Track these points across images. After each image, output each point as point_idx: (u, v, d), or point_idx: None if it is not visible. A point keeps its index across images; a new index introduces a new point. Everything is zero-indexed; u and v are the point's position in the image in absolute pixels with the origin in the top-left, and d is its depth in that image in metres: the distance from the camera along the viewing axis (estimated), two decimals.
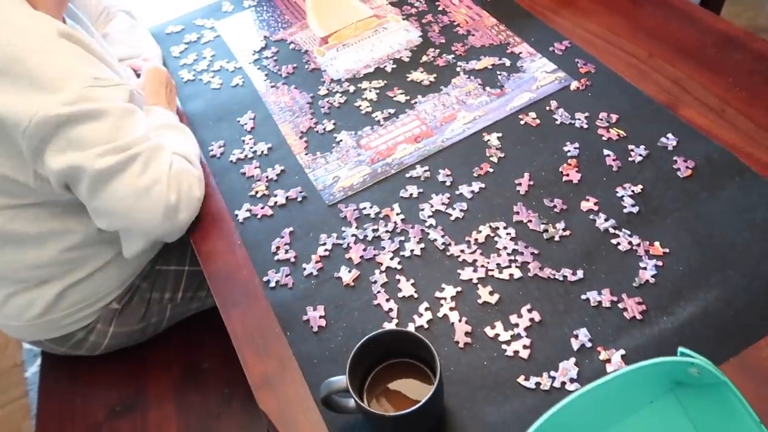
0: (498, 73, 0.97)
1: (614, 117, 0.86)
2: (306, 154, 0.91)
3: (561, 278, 0.70)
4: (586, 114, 0.87)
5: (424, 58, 1.02)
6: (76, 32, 0.77)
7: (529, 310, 0.68)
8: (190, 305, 1.05)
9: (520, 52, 0.99)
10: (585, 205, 0.77)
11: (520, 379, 0.63)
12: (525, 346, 0.66)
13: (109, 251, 0.91)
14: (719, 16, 1.03)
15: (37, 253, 0.86)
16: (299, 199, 0.85)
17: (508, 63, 0.98)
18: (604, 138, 0.84)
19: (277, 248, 0.79)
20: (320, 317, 0.71)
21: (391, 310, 0.71)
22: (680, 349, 0.49)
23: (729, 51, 0.92)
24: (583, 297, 0.68)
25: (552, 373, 0.63)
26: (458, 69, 0.99)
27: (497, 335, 0.67)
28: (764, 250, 0.69)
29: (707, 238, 0.71)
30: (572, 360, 0.64)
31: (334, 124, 0.94)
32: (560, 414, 0.47)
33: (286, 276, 0.76)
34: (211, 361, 1.02)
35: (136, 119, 0.78)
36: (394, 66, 1.02)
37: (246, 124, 0.97)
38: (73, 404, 1.00)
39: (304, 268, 0.77)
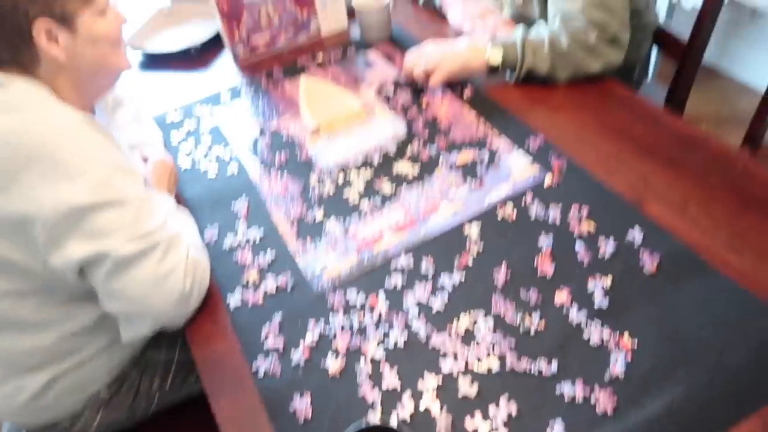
0: (478, 165, 1.03)
1: (585, 211, 0.92)
2: (296, 241, 0.95)
3: (537, 372, 0.74)
4: (559, 207, 0.93)
5: (409, 151, 1.09)
6: (98, 121, 0.83)
7: (507, 401, 0.72)
8: (179, 392, 1.06)
9: (498, 146, 1.06)
10: (559, 298, 0.82)
11: None
12: None
13: (103, 338, 0.93)
14: (680, 118, 1.11)
15: (35, 339, 0.88)
16: (289, 288, 0.89)
17: (486, 157, 1.05)
18: (575, 232, 0.90)
19: (266, 336, 0.83)
20: (307, 408, 0.74)
21: (374, 402, 0.74)
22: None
23: (690, 151, 1.00)
24: (558, 391, 0.72)
25: None
26: (441, 161, 1.05)
27: (476, 429, 0.70)
28: (725, 345, 0.73)
29: (673, 332, 0.76)
30: None
31: (323, 212, 1.00)
32: None
33: (275, 365, 0.79)
34: None
35: (155, 207, 0.83)
36: (381, 158, 1.08)
37: (239, 210, 1.02)
38: None
39: (292, 357, 0.80)
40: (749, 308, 0.76)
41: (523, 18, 1.34)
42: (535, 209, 0.94)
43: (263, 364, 0.80)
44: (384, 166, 1.07)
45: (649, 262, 0.84)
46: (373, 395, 0.75)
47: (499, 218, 0.94)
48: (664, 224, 0.88)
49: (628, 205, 0.92)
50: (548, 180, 0.98)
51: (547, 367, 0.74)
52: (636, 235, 0.87)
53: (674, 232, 0.87)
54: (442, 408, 0.72)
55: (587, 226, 0.90)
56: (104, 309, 0.84)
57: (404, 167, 1.06)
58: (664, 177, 0.96)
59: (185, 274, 0.82)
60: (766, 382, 0.70)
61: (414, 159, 1.07)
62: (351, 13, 1.44)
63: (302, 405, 0.75)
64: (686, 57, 1.36)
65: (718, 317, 0.76)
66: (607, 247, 0.87)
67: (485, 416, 0.71)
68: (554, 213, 0.93)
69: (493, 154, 1.05)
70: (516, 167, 1.02)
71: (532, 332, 0.78)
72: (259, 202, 1.04)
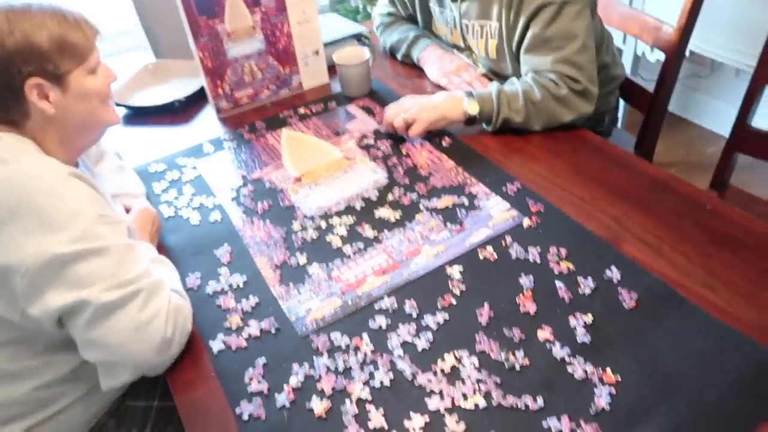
0: (458, 210, 1.06)
1: (563, 252, 0.95)
2: (280, 286, 0.96)
3: (523, 407, 0.74)
4: (538, 249, 0.96)
5: (390, 197, 1.11)
6: (84, 173, 0.84)
7: None
8: None
9: (477, 192, 1.09)
10: (541, 335, 0.83)
11: None
12: None
13: (80, 388, 0.91)
14: (650, 163, 1.16)
15: (10, 389, 0.86)
16: (273, 330, 0.88)
17: (466, 202, 1.08)
18: (555, 271, 0.92)
19: (250, 379, 0.82)
20: None
21: None
22: None
23: (660, 193, 1.04)
24: (545, 425, 0.72)
25: None
26: (421, 207, 1.08)
27: None
28: (706, 379, 0.74)
29: (654, 366, 0.77)
30: None
31: (306, 257, 1.00)
32: None
33: (259, 408, 0.78)
34: None
35: (138, 255, 0.83)
36: (363, 204, 1.10)
37: (222, 256, 1.03)
38: None
39: (276, 399, 0.79)
40: (726, 341, 0.78)
41: (496, 74, 1.41)
42: (516, 250, 0.96)
43: (248, 408, 0.78)
44: (366, 211, 1.09)
45: (627, 299, 0.86)
46: None
47: (480, 259, 0.96)
48: (641, 262, 0.91)
49: (605, 245, 0.95)
50: (527, 222, 1.01)
51: (533, 402, 0.74)
52: (614, 273, 0.90)
53: (650, 270, 0.89)
54: None
55: (566, 266, 0.92)
56: (84, 358, 0.83)
57: (386, 213, 1.08)
58: (638, 218, 0.99)
59: (167, 320, 0.82)
60: (746, 411, 0.71)
61: (395, 205, 1.10)
62: (332, 68, 1.49)
63: None
64: (652, 106, 1.43)
65: (697, 350, 0.78)
66: (586, 285, 0.89)
67: None
68: (534, 254, 0.95)
69: (472, 199, 1.08)
70: (495, 211, 1.05)
71: (517, 368, 0.79)
72: (242, 248, 1.04)
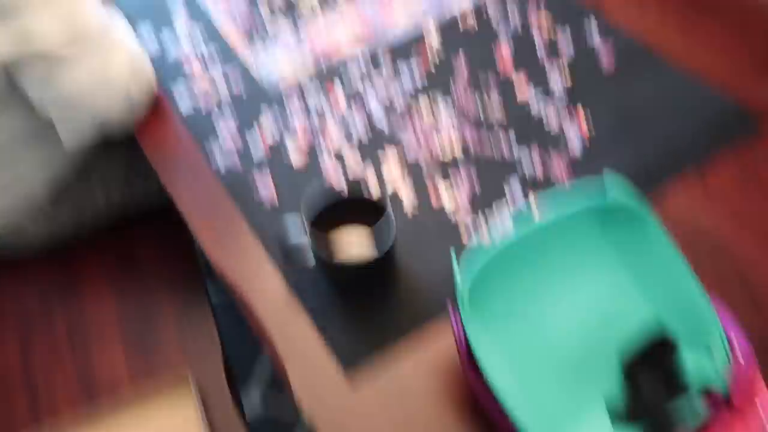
0: None
1: (544, 12, 0.91)
2: (248, 50, 0.91)
3: (499, 158, 0.76)
4: (517, 11, 0.92)
5: None
6: None
7: (470, 183, 0.73)
8: (130, 204, 1.02)
9: None
10: (521, 94, 0.82)
11: (462, 236, 0.68)
12: (467, 212, 0.71)
13: (41, 151, 0.88)
14: None
15: None
16: (244, 95, 0.85)
17: None
18: (536, 37, 0.89)
19: (225, 138, 0.80)
20: (273, 195, 0.73)
21: (342, 190, 0.74)
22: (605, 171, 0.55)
23: None
24: (519, 172, 0.74)
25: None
26: None
27: (442, 206, 0.72)
28: (673, 125, 0.77)
29: (627, 116, 0.78)
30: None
31: (277, 23, 0.94)
32: (492, 257, 0.53)
33: (235, 162, 0.77)
34: (146, 251, 1.00)
35: (92, 6, 0.76)
36: None
37: (184, 25, 0.96)
38: (2, 297, 0.97)
39: (253, 157, 0.78)
40: (700, 95, 0.79)
41: None
42: (495, 16, 0.92)
43: (224, 162, 0.77)
44: None
45: (606, 60, 0.85)
46: (340, 184, 0.74)
47: (460, 29, 0.92)
48: (620, 20, 0.89)
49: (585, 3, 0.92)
50: None
51: (509, 153, 0.76)
52: (594, 33, 0.88)
53: (629, 29, 0.88)
54: (408, 190, 0.73)
55: (546, 24, 0.90)
56: (41, 115, 0.79)
57: None
58: None
59: (128, 74, 0.78)
60: (702, 148, 0.74)
61: None
62: None
63: (268, 193, 0.74)
64: None
65: (671, 107, 0.79)
66: (567, 48, 0.87)
67: (450, 197, 0.72)
68: (513, 20, 0.92)
69: None
70: None
71: (495, 124, 0.79)
72: (204, 15, 0.97)
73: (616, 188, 0.54)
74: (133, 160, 0.97)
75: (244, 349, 1.30)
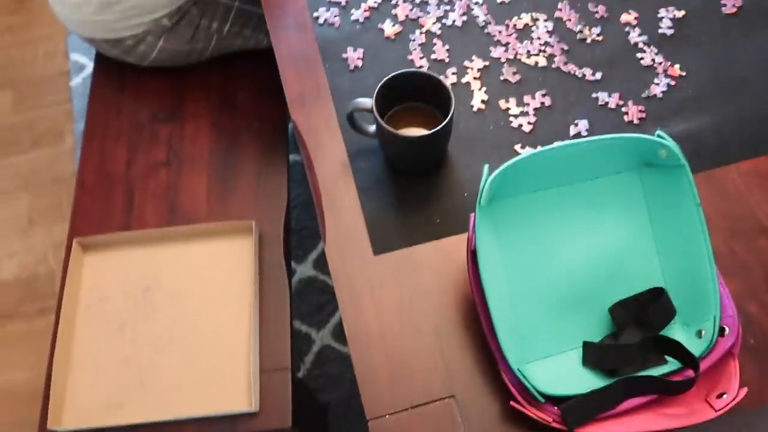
0: None
1: None
2: None
3: (580, 75, 0.77)
4: None
5: None
6: None
7: (543, 95, 0.76)
8: (234, 41, 1.11)
9: None
10: (625, 18, 0.81)
11: (517, 147, 0.73)
12: (529, 123, 0.74)
13: None
14: None
15: None
16: None
17: None
18: None
19: None
20: (358, 58, 0.79)
21: (422, 66, 0.78)
22: (658, 131, 0.57)
23: None
24: (594, 95, 0.76)
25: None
26: None
27: (508, 108, 0.75)
28: None
29: (725, 73, 0.76)
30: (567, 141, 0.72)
31: None
32: (526, 162, 0.56)
33: (335, 16, 0.82)
34: (245, 95, 1.12)
35: None
36: None
37: None
38: (120, 105, 1.12)
39: (353, 14, 0.83)
40: None
41: None
42: None
43: (325, 14, 0.83)
44: None
45: (730, 4, 0.80)
46: (421, 62, 0.79)
47: None
48: None
49: None
50: None
51: (591, 74, 0.77)
52: None
53: None
54: (482, 87, 0.77)
55: None
56: None
57: None
58: None
59: None
60: None
61: None
62: None
63: (354, 55, 0.79)
64: None
65: None
66: None
67: (519, 102, 0.76)
68: None
69: None
70: None
71: (588, 41, 0.79)
72: None
73: (669, 146, 0.56)
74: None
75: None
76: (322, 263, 1.39)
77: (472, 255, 0.59)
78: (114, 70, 1.14)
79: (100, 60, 1.16)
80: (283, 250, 0.96)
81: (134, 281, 0.92)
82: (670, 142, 0.57)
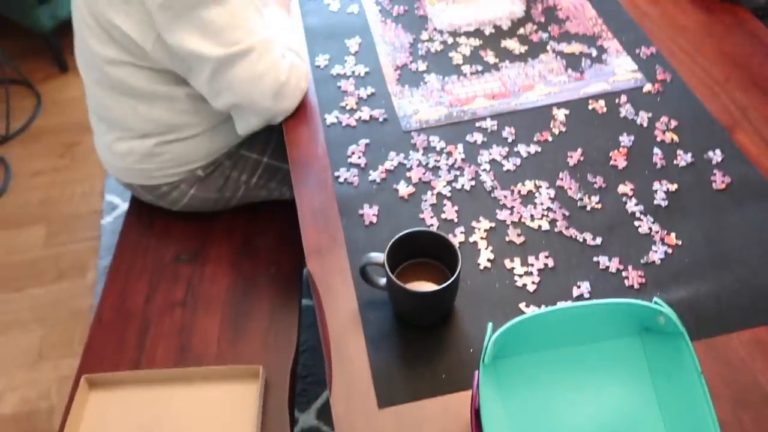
0: (583, 59, 1.06)
1: (673, 123, 0.95)
2: (396, 85, 1.03)
3: (581, 240, 0.82)
4: (649, 115, 0.96)
5: (521, 31, 1.12)
6: None
7: (546, 257, 0.80)
8: (260, 192, 1.20)
9: (609, 47, 1.08)
10: (622, 189, 0.87)
11: (521, 305, 0.76)
12: (533, 282, 0.78)
13: (204, 123, 1.06)
14: None
15: (148, 108, 1.02)
16: (381, 119, 0.98)
17: (594, 53, 1.07)
18: (658, 138, 0.93)
19: (352, 153, 0.93)
20: (373, 215, 0.85)
21: (432, 225, 0.84)
22: (655, 298, 0.60)
23: None
24: (595, 259, 0.80)
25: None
26: (548, 48, 1.09)
27: (513, 268, 0.79)
28: (763, 265, 0.78)
29: (719, 244, 0.80)
30: (569, 303, 0.75)
31: (426, 66, 1.06)
32: (530, 322, 0.58)
33: (354, 176, 0.90)
34: (265, 242, 1.18)
35: (254, 12, 0.93)
36: (493, 30, 1.12)
37: (351, 47, 1.10)
38: (147, 245, 1.18)
39: (370, 174, 0.90)
40: None
41: None
42: (626, 110, 0.97)
43: (345, 174, 0.91)
44: (493, 39, 1.11)
45: (719, 180, 0.87)
46: (432, 221, 0.85)
47: (589, 109, 0.98)
48: (749, 154, 0.90)
49: (719, 129, 0.94)
50: (647, 88, 1.00)
51: (591, 239, 0.82)
52: (716, 155, 0.90)
53: (756, 164, 0.89)
54: (488, 246, 0.82)
55: (671, 136, 0.93)
56: (214, 106, 0.97)
57: (512, 44, 1.10)
58: (765, 112, 0.96)
59: (281, 71, 0.94)
60: None
61: (523, 39, 1.11)
62: None
63: (370, 212, 0.86)
64: None
65: (766, 241, 0.80)
66: (683, 158, 0.90)
67: (524, 263, 0.80)
68: (643, 118, 0.96)
69: (601, 53, 1.07)
70: (620, 70, 1.04)
71: (588, 209, 0.85)
72: (371, 43, 1.11)
73: (666, 314, 0.59)
74: (274, 152, 1.14)
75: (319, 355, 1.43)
76: (325, 413, 1.36)
77: (476, 414, 0.59)
78: (146, 213, 1.23)
79: (135, 203, 1.25)
80: (287, 396, 0.96)
81: (135, 423, 0.91)
82: (667, 310, 0.59)
